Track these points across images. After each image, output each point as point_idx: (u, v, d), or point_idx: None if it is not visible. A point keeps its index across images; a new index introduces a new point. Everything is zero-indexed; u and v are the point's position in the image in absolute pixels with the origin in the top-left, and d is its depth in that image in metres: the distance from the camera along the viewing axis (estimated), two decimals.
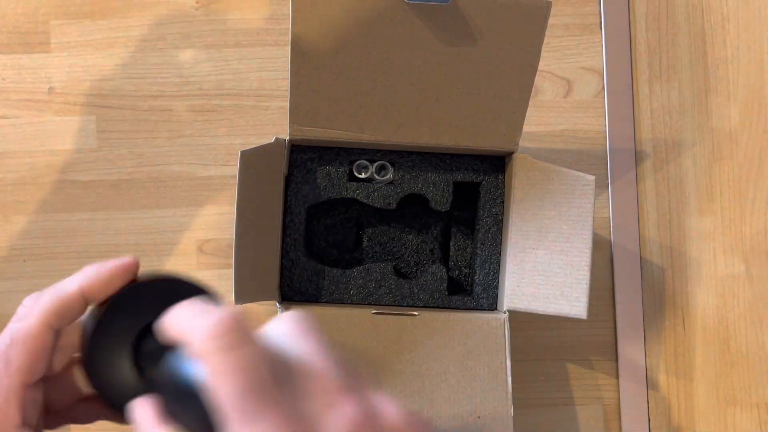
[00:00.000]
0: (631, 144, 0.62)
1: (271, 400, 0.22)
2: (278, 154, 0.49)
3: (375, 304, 0.51)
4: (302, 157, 0.51)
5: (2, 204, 0.60)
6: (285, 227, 0.52)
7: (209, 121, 0.61)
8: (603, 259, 0.61)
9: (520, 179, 0.49)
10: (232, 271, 0.44)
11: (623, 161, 0.62)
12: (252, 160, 0.45)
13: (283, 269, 0.52)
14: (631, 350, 0.60)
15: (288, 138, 0.49)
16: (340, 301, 0.52)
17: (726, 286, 0.62)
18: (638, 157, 0.62)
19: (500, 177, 0.52)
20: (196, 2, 0.62)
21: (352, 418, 0.23)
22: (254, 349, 0.23)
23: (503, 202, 0.52)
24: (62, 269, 0.60)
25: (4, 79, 0.61)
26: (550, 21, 0.62)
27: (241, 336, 0.23)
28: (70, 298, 0.29)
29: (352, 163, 0.52)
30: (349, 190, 0.52)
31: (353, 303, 0.52)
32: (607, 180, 0.62)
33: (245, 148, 0.45)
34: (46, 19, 0.61)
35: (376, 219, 0.55)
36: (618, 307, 0.60)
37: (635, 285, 0.61)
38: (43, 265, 0.60)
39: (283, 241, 0.52)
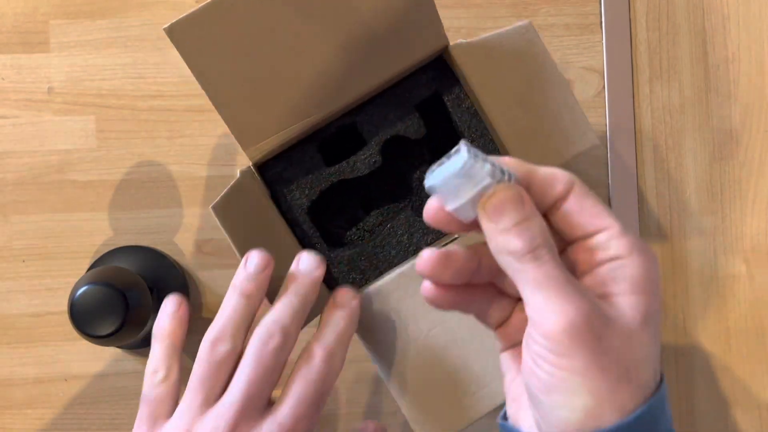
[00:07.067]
0: (631, 144, 0.62)
1: None
2: (251, 185, 0.48)
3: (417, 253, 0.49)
4: (275, 171, 0.50)
5: (1, 204, 0.60)
6: (299, 242, 0.50)
7: (209, 120, 0.61)
8: None
9: (471, 68, 0.47)
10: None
11: (623, 161, 0.62)
12: (228, 208, 0.44)
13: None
14: None
15: (251, 164, 0.47)
16: (388, 267, 0.50)
17: (726, 287, 0.62)
18: (638, 157, 0.62)
19: (451, 76, 0.50)
20: (196, 2, 0.61)
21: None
22: None
23: (469, 98, 0.50)
24: (62, 269, 0.60)
25: (3, 79, 0.61)
26: (551, 21, 0.62)
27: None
28: None
29: (319, 149, 0.51)
30: (332, 175, 0.50)
31: (399, 263, 0.49)
32: (608, 179, 0.62)
33: (213, 202, 0.44)
34: (45, 18, 0.61)
35: (373, 181, 0.53)
36: None
37: None
38: (43, 265, 0.60)
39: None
